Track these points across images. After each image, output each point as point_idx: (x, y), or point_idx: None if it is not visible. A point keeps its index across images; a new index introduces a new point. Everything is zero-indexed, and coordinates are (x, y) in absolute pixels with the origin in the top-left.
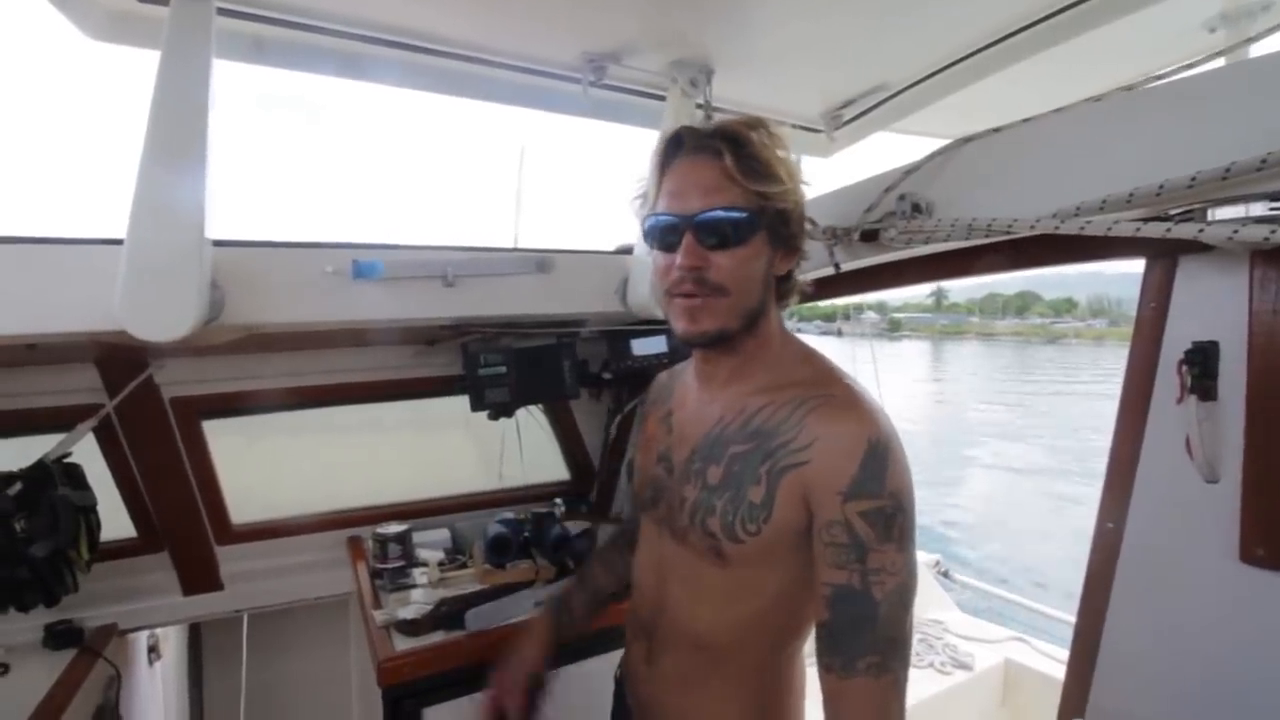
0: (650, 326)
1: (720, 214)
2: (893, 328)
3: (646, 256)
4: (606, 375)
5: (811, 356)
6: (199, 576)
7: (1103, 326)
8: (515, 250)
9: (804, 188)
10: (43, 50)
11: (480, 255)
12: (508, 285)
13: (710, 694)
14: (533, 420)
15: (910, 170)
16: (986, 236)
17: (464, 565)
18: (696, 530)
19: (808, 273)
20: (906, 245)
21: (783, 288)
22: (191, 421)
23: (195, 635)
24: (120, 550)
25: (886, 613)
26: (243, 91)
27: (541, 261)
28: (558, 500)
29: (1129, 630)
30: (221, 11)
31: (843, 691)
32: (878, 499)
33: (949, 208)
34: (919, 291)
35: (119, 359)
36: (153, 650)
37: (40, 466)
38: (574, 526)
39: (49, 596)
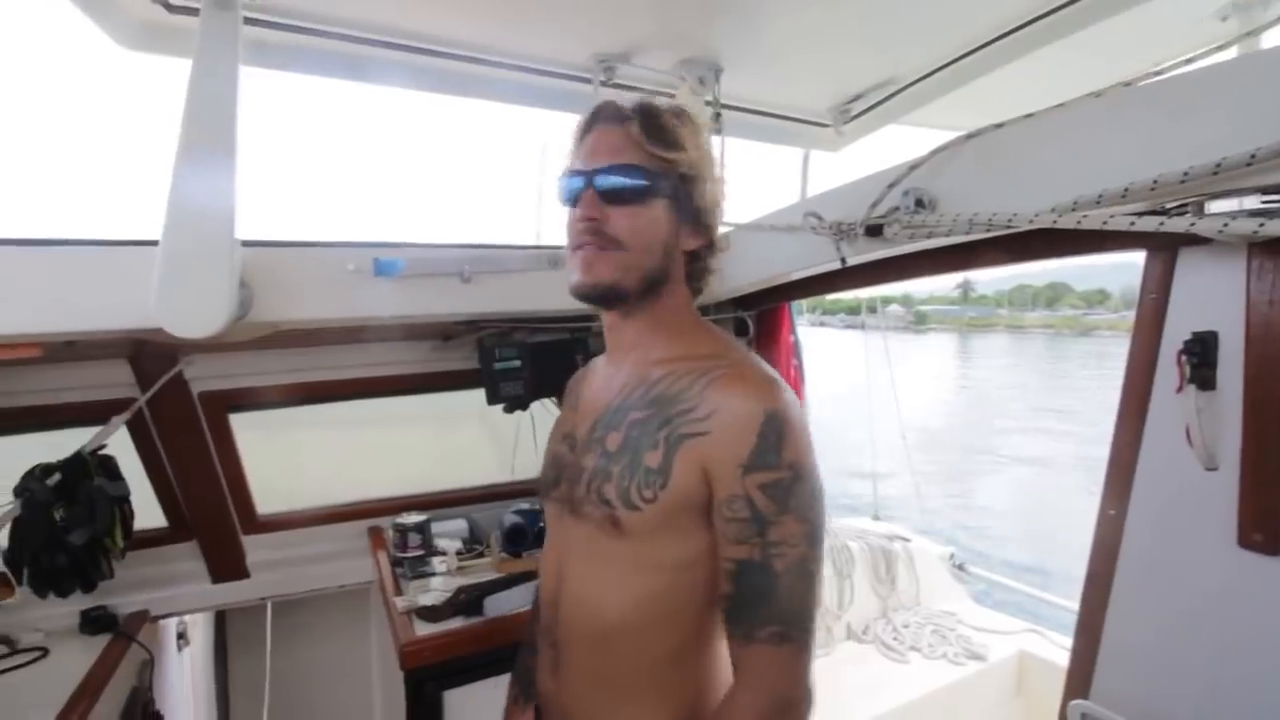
0: None
1: (620, 172)
2: (918, 320)
3: None
4: None
5: (717, 333)
6: (226, 565)
7: None
8: (529, 247)
9: (717, 176)
10: (78, 59)
11: (495, 252)
12: (522, 281)
13: (629, 698)
14: (547, 413)
15: (914, 166)
16: (988, 231)
17: (481, 554)
18: (592, 499)
19: (815, 266)
20: (910, 240)
21: (694, 268)
22: (219, 415)
23: (221, 622)
24: (152, 539)
25: (788, 585)
26: (271, 94)
27: (554, 258)
28: None
29: (1131, 614)
30: (249, 21)
31: (745, 658)
32: (776, 470)
33: (952, 203)
34: (945, 283)
35: (151, 355)
36: (181, 636)
37: (78, 458)
38: None
39: (86, 583)
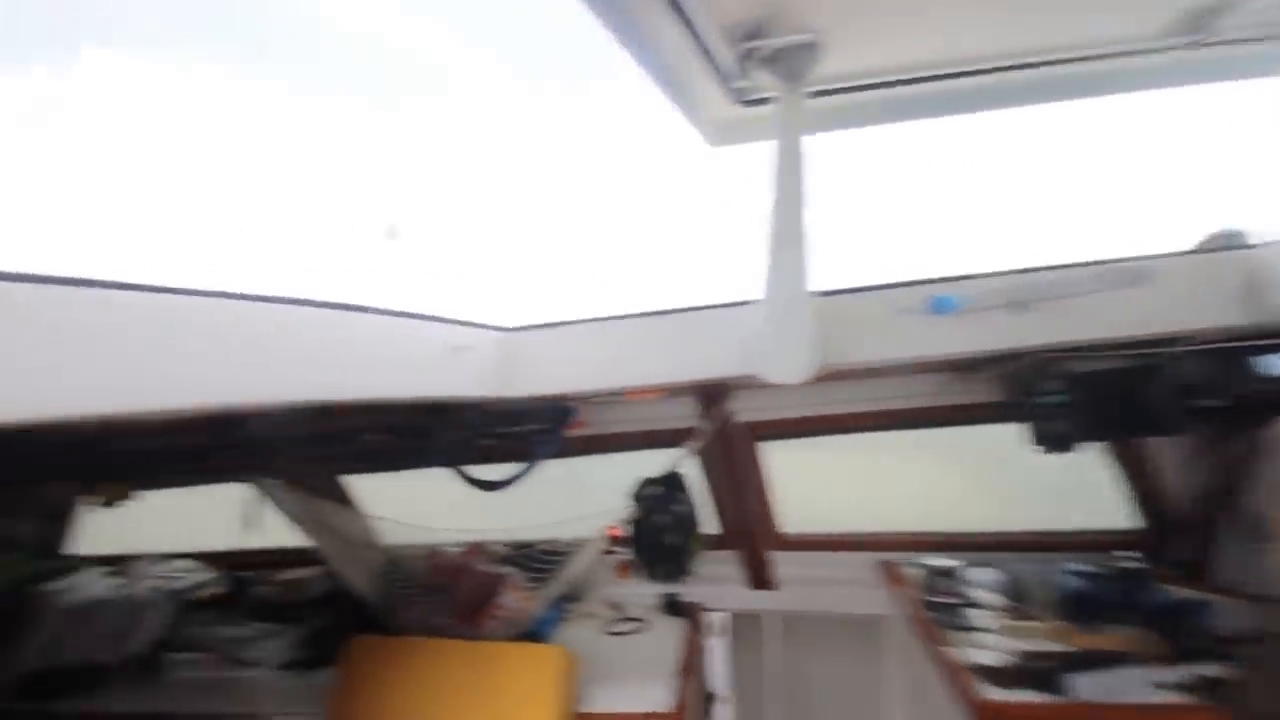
0: None
1: None
2: None
3: None
4: (1212, 403)
5: None
6: (759, 575)
7: None
8: (1098, 263)
9: None
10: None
11: (1058, 274)
12: (1090, 304)
13: None
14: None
15: None
16: None
17: (1029, 616)
18: None
19: None
20: None
21: None
22: (754, 442)
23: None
24: (706, 544)
25: None
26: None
27: (1136, 273)
28: (1129, 553)
29: None
30: (814, 94)
31: None
32: None
33: None
34: None
35: (712, 392)
36: (713, 628)
37: (672, 476)
38: (1177, 592)
39: (677, 575)
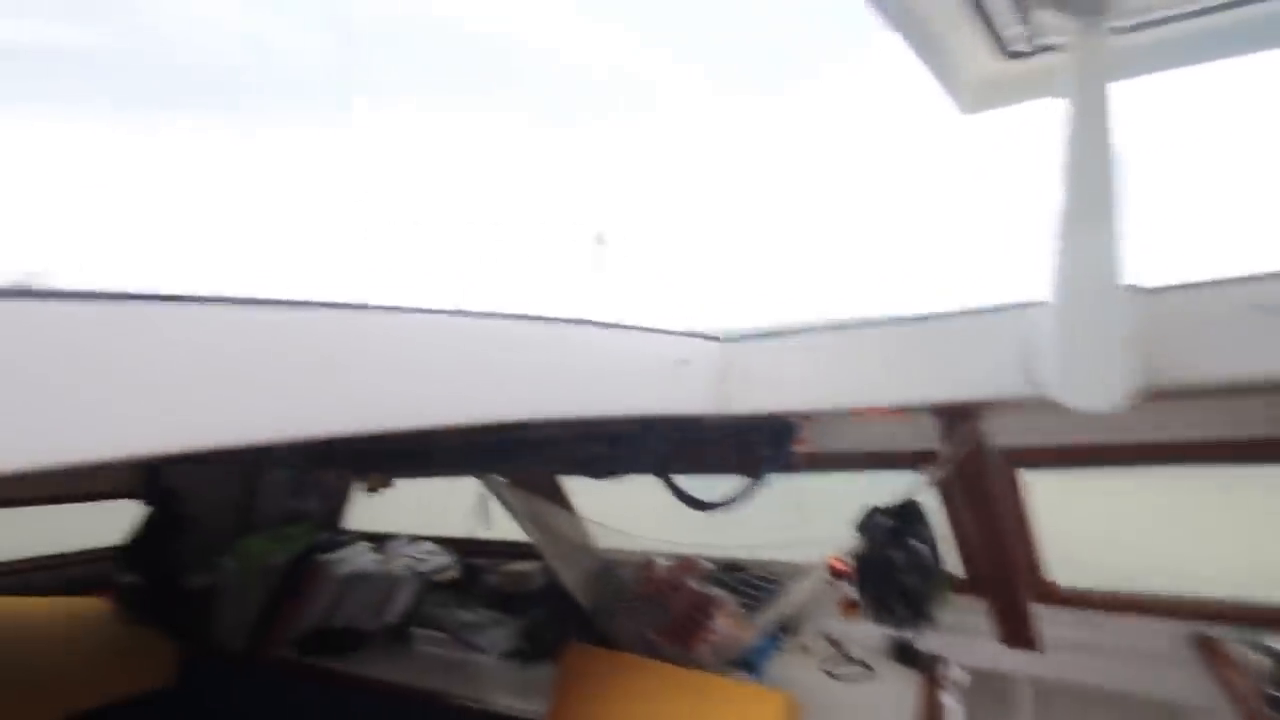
0: None
1: None
2: None
3: None
4: None
5: None
6: (1018, 631)
7: None
8: None
9: None
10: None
11: None
12: None
13: None
14: None
15: None
16: None
17: None
18: None
19: None
20: None
21: None
22: (1015, 471)
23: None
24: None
25: None
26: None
27: None
28: None
29: None
30: (1118, 30)
31: None
32: None
33: None
34: None
35: (958, 409)
36: (953, 686)
37: (910, 506)
38: None
39: (918, 622)
